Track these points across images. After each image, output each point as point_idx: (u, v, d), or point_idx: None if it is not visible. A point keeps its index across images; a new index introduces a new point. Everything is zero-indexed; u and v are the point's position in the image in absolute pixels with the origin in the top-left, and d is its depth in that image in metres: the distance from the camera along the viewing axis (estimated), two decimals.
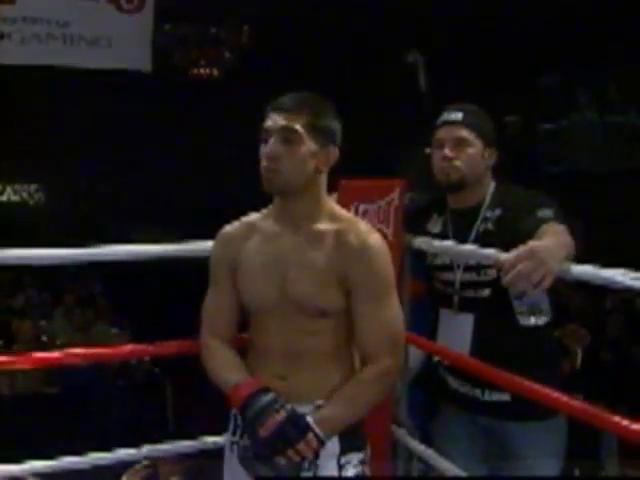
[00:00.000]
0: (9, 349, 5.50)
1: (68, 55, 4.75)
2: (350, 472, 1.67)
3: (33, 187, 11.16)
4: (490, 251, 1.76)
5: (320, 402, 1.64)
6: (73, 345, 5.60)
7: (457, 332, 2.08)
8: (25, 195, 11.16)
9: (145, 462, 3.74)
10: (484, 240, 1.99)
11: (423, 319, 2.23)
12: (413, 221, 2.18)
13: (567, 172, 7.87)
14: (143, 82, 8.27)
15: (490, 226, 2.04)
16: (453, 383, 2.12)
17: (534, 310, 1.55)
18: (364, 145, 9.79)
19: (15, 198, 11.13)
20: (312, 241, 1.68)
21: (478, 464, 2.10)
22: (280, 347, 1.69)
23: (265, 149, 1.65)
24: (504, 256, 1.61)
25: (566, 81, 7.96)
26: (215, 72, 9.66)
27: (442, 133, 2.07)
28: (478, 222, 2.06)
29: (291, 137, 1.63)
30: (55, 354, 1.90)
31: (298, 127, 1.62)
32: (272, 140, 1.64)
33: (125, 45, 4.85)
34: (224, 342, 1.76)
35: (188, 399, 5.01)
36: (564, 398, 1.49)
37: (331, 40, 8.39)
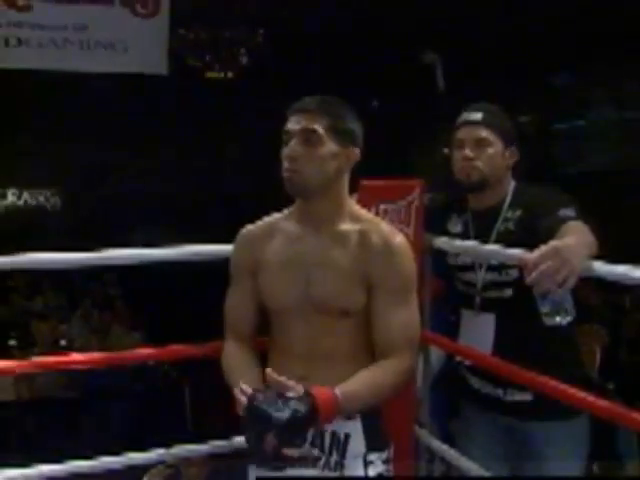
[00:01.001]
0: (28, 352, 5.53)
1: (84, 60, 4.78)
2: (376, 470, 1.67)
3: (49, 191, 11.22)
4: (514, 251, 1.76)
5: None
6: (90, 348, 5.67)
7: (479, 333, 2.07)
8: (41, 199, 11.22)
9: (167, 463, 3.76)
10: (505, 240, 1.99)
11: (442, 319, 2.24)
12: (433, 221, 2.18)
13: (584, 171, 7.82)
14: (159, 85, 8.32)
15: (511, 226, 2.04)
16: (475, 383, 2.12)
17: (558, 310, 1.54)
18: (382, 145, 9.81)
19: (31, 202, 11.19)
20: (335, 241, 1.69)
21: (499, 464, 2.09)
22: (302, 347, 1.69)
23: (286, 150, 1.66)
24: (528, 255, 1.60)
25: (582, 79, 7.92)
26: (230, 75, 9.69)
27: (462, 133, 2.07)
28: (499, 222, 2.06)
29: (312, 138, 1.63)
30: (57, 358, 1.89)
31: (319, 128, 1.63)
32: (293, 142, 1.64)
33: (141, 49, 4.88)
34: (244, 343, 1.76)
35: (207, 401, 5.02)
36: (590, 398, 1.48)
37: (346, 41, 8.38)
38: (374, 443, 1.68)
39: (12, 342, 5.80)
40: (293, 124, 1.65)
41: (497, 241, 2.02)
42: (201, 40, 9.25)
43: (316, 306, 1.67)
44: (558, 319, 1.55)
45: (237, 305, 1.78)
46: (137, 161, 10.24)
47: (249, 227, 1.81)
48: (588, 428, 2.04)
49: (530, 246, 1.67)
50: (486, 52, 7.33)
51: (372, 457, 1.68)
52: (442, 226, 2.17)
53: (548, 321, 1.57)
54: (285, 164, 1.66)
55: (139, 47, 4.90)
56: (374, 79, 9.05)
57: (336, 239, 1.69)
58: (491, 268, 2.04)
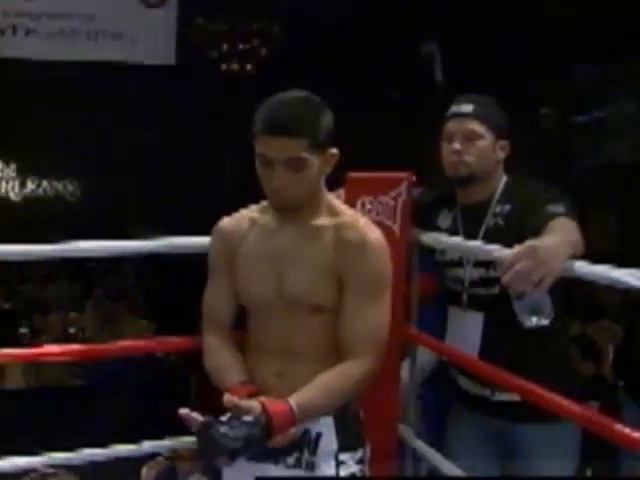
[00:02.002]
0: (37, 340, 5.57)
1: (93, 50, 4.77)
2: (348, 470, 1.63)
3: (68, 181, 11.29)
4: (492, 247, 1.70)
5: None
6: (101, 338, 5.70)
7: (466, 331, 2.02)
8: (61, 189, 11.30)
9: (164, 456, 3.77)
10: (494, 236, 1.93)
11: (435, 316, 2.18)
12: (423, 216, 2.12)
13: (603, 164, 7.68)
14: (176, 77, 8.31)
15: (500, 221, 1.98)
16: (463, 383, 2.07)
17: (535, 311, 1.48)
18: (382, 137, 9.73)
19: (51, 192, 11.28)
20: (310, 236, 1.65)
21: (488, 466, 2.04)
22: (277, 344, 1.66)
23: (272, 182, 1.58)
24: (504, 254, 1.54)
25: (602, 71, 7.77)
26: (248, 66, 9.65)
27: (452, 126, 2.00)
28: (488, 217, 2.00)
29: (298, 165, 1.57)
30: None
31: (304, 155, 1.57)
32: (278, 171, 1.57)
33: (149, 39, 4.85)
34: (224, 338, 1.73)
35: (212, 393, 4.99)
36: (565, 402, 1.42)
37: (366, 31, 8.31)
38: (347, 442, 1.64)
39: (23, 330, 5.84)
40: (274, 152, 1.56)
41: (485, 237, 1.96)
42: (219, 31, 9.23)
43: (289, 302, 1.64)
44: (535, 320, 1.49)
45: (215, 300, 1.75)
46: (154, 153, 10.26)
47: (225, 220, 1.77)
48: (581, 429, 1.98)
49: (518, 242, 1.60)
50: (503, 43, 7.22)
51: (344, 457, 1.64)
52: (432, 221, 2.12)
53: (525, 323, 1.52)
54: (271, 190, 1.61)
55: (147, 37, 4.87)
56: (394, 69, 8.97)
57: (311, 234, 1.65)
58: (478, 264, 1.98)
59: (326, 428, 1.62)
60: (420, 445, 2.00)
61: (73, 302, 7.08)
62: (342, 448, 1.64)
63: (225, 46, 9.32)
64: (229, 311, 1.75)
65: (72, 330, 6.08)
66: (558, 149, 8.27)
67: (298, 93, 1.63)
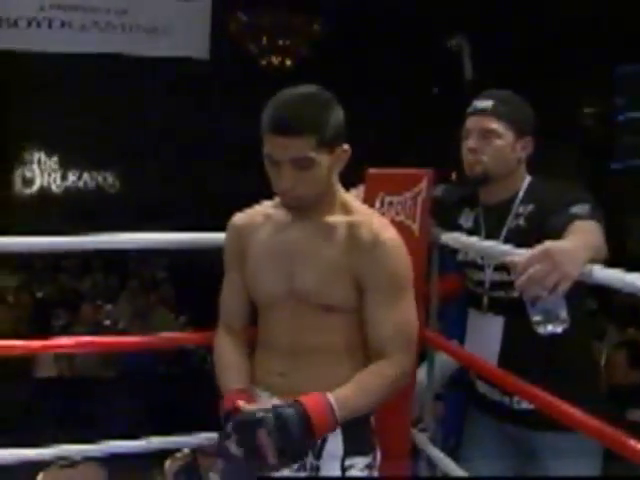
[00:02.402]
0: (70, 331, 5.63)
1: (127, 43, 4.79)
2: (355, 476, 1.59)
3: (109, 173, 11.42)
4: (510, 249, 1.64)
5: None
6: (132, 330, 5.73)
7: (486, 335, 1.96)
8: (101, 181, 11.43)
9: (186, 451, 3.76)
10: (516, 238, 1.86)
11: (459, 317, 2.12)
12: (444, 215, 2.06)
13: None
14: (217, 71, 8.34)
15: (522, 222, 1.91)
16: (481, 388, 2.01)
17: (549, 318, 1.41)
18: (414, 134, 9.62)
19: (91, 184, 11.42)
20: (322, 233, 1.61)
21: (506, 474, 1.98)
22: (285, 343, 1.62)
23: (280, 183, 1.55)
24: (517, 257, 1.48)
25: None
26: (288, 62, 9.63)
27: (470, 123, 1.94)
28: (510, 218, 1.94)
29: (305, 164, 1.53)
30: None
31: (310, 154, 1.52)
32: (285, 171, 1.53)
33: (183, 33, 4.85)
34: (234, 337, 1.71)
35: None
36: (578, 415, 1.35)
37: (407, 28, 8.23)
38: (354, 447, 1.60)
39: (56, 321, 5.90)
40: (280, 152, 1.52)
41: (507, 238, 1.90)
42: (260, 25, 9.22)
43: (299, 300, 1.60)
44: (550, 328, 1.42)
45: (228, 296, 1.73)
46: (194, 147, 10.30)
47: (238, 215, 1.75)
48: None
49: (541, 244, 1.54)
50: (547, 40, 7.09)
51: (351, 462, 1.60)
52: (454, 220, 2.06)
53: (539, 330, 1.45)
54: (279, 191, 1.58)
55: (181, 31, 4.87)
56: (435, 65, 8.87)
57: (323, 231, 1.61)
58: (499, 267, 1.91)
59: (332, 432, 1.57)
60: (435, 452, 1.94)
61: (108, 293, 7.15)
62: (349, 453, 1.59)
63: (265, 41, 9.32)
64: (242, 308, 1.72)
65: (107, 322, 6.12)
66: (598, 148, 8.09)
67: (305, 89, 1.57)
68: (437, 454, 1.93)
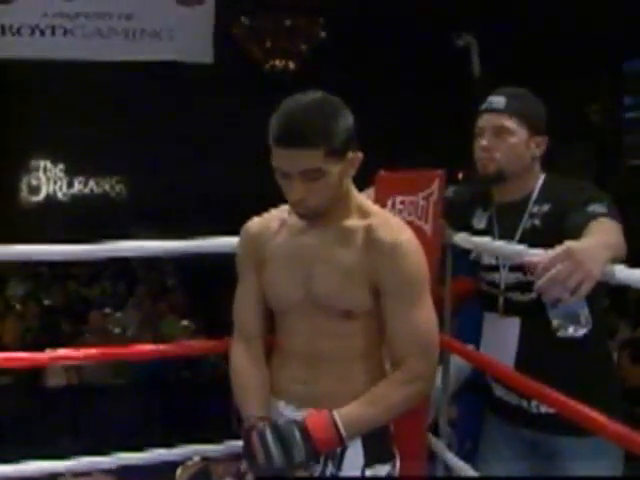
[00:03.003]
0: (79, 339, 5.61)
1: (130, 49, 4.77)
2: None
3: (115, 179, 11.42)
4: (527, 250, 1.59)
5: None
6: (140, 337, 5.71)
7: (502, 337, 1.92)
8: (107, 187, 11.43)
9: (197, 459, 3.73)
10: (531, 238, 1.82)
11: (472, 320, 2.08)
12: (456, 216, 2.02)
13: None
14: (220, 74, 8.32)
15: (537, 222, 1.87)
16: (498, 392, 1.97)
17: (571, 320, 1.37)
18: (422, 134, 9.58)
19: (98, 190, 11.42)
20: (340, 238, 1.58)
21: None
22: (303, 350, 1.59)
23: (291, 195, 1.52)
24: (536, 258, 1.44)
25: None
26: (291, 65, 9.62)
27: (483, 121, 1.91)
28: (525, 218, 1.90)
29: (315, 175, 1.49)
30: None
31: (320, 165, 1.48)
32: (295, 183, 1.50)
33: (187, 37, 4.83)
34: (252, 349, 1.66)
35: None
36: (600, 419, 1.31)
37: (409, 29, 8.20)
38: (374, 456, 1.57)
39: (64, 328, 5.88)
40: (288, 165, 1.49)
41: (522, 239, 1.86)
42: (263, 29, 9.21)
43: (316, 305, 1.57)
44: (571, 330, 1.38)
45: (244, 306, 1.68)
46: (199, 151, 10.29)
47: (253, 220, 1.71)
48: None
49: (558, 244, 1.50)
50: (551, 36, 7.05)
51: (371, 471, 1.57)
52: (466, 221, 2.02)
53: (560, 332, 1.41)
54: (292, 202, 1.55)
55: (185, 35, 4.85)
56: (438, 67, 8.84)
57: (341, 235, 1.58)
58: (515, 268, 1.88)
59: (352, 441, 1.54)
60: (451, 458, 1.90)
61: (117, 301, 7.12)
62: (369, 463, 1.57)
63: (268, 44, 9.31)
64: (259, 318, 1.67)
65: (117, 330, 6.10)
66: (607, 145, 8.04)
67: (310, 97, 1.52)
68: (453, 460, 1.89)
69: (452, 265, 2.01)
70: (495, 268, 1.94)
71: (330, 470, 1.56)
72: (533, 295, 1.84)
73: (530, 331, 1.87)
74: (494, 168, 1.87)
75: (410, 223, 1.89)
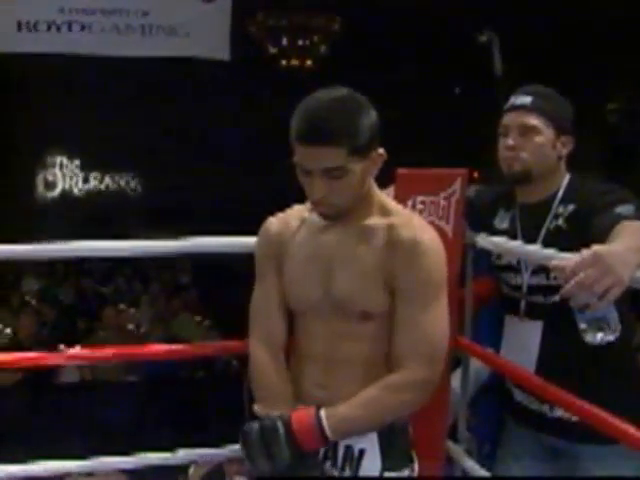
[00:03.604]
0: (94, 336, 5.61)
1: (146, 45, 4.76)
2: None
3: (130, 176, 11.44)
4: (552, 252, 1.55)
5: None
6: (154, 334, 5.70)
7: (524, 341, 1.88)
8: (122, 183, 11.45)
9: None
10: (555, 239, 1.78)
11: (492, 322, 2.04)
12: (478, 216, 1.98)
13: None
14: (236, 72, 8.29)
15: (562, 223, 1.82)
16: (518, 395, 1.93)
17: (600, 326, 1.33)
18: (440, 132, 9.52)
19: (113, 187, 11.45)
20: (360, 236, 1.54)
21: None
22: (322, 353, 1.55)
23: (313, 193, 1.49)
24: (564, 262, 1.39)
25: None
26: (307, 62, 9.59)
27: (508, 119, 1.86)
28: (549, 219, 1.85)
29: (337, 174, 1.46)
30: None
31: (342, 163, 1.45)
32: (317, 181, 1.46)
33: (203, 34, 4.81)
34: (272, 350, 1.61)
35: None
36: (623, 426, 1.27)
37: (425, 29, 8.15)
38: (392, 460, 1.53)
39: (79, 325, 5.89)
40: (311, 162, 1.45)
41: (546, 240, 1.81)
42: (280, 26, 9.18)
43: (336, 306, 1.53)
44: (599, 336, 1.33)
45: (264, 307, 1.63)
46: (214, 149, 10.27)
47: (272, 219, 1.67)
48: None
49: (583, 246, 1.45)
50: (569, 38, 6.98)
51: (389, 475, 1.52)
52: (488, 222, 1.97)
53: (588, 338, 1.36)
54: (313, 201, 1.52)
55: (201, 32, 4.83)
56: (456, 65, 8.78)
57: (362, 234, 1.54)
58: (537, 270, 1.83)
59: (370, 444, 1.52)
60: (470, 464, 1.86)
61: (132, 298, 7.13)
62: (387, 467, 1.52)
63: (284, 42, 9.28)
64: (281, 320, 1.62)
65: (130, 326, 6.10)
66: (625, 145, 7.95)
67: (335, 93, 1.48)
68: (472, 466, 1.85)
69: (473, 266, 1.96)
70: (517, 270, 1.90)
71: (347, 474, 1.53)
72: (556, 298, 1.79)
73: (552, 335, 1.83)
74: (520, 167, 1.83)
75: (431, 223, 1.85)
